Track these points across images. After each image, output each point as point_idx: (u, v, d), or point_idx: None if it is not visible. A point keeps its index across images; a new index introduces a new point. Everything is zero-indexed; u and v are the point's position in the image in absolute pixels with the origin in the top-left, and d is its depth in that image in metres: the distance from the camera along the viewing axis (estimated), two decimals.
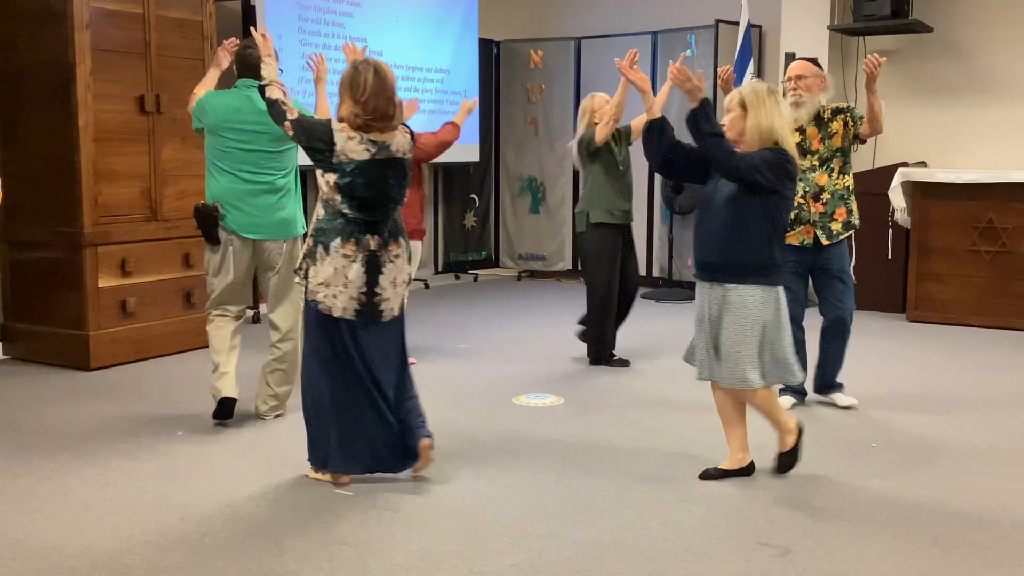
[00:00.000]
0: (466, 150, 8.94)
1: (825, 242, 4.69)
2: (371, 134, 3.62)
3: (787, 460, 3.86)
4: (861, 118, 4.66)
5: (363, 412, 3.72)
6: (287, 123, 3.69)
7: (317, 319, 3.68)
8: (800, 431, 3.85)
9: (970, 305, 7.02)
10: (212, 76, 4.75)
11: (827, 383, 4.92)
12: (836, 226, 4.72)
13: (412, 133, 3.83)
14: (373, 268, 3.65)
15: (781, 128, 3.62)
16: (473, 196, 9.48)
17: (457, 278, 9.54)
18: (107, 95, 5.65)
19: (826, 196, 4.71)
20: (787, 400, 4.81)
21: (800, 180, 4.57)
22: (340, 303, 3.63)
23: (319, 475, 3.81)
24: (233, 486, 3.75)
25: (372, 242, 3.65)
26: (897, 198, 7.08)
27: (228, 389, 4.50)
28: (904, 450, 4.24)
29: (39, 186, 5.71)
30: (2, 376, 5.54)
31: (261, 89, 3.85)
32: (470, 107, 5.87)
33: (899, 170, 7.11)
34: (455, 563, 3.09)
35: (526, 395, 5.11)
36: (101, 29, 5.60)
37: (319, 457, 3.78)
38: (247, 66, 4.52)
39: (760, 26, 8.47)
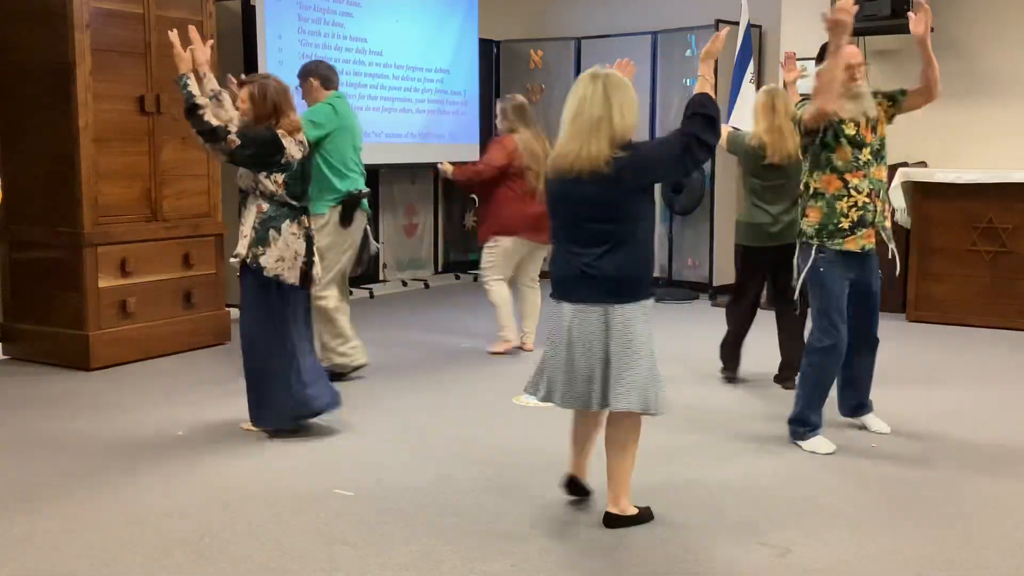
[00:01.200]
0: (466, 150, 8.94)
1: (880, 245, 4.21)
2: (295, 135, 4.32)
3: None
4: (895, 94, 4.22)
5: (289, 372, 4.34)
6: (231, 138, 4.13)
7: (266, 293, 4.27)
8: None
9: (970, 305, 7.02)
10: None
11: (863, 403, 4.50)
12: (889, 224, 4.26)
13: None
14: (310, 241, 4.39)
15: (563, 123, 3.30)
16: (473, 196, 9.46)
17: (457, 278, 9.54)
18: (107, 95, 5.65)
19: (883, 192, 4.21)
20: (827, 445, 4.19)
21: (864, 177, 4.11)
22: (293, 275, 4.30)
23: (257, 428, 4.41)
24: (233, 486, 3.75)
25: (307, 220, 4.41)
26: (897, 198, 7.08)
27: (364, 355, 5.42)
28: (904, 450, 4.24)
29: (39, 186, 5.71)
30: (2, 376, 5.54)
31: (196, 108, 4.12)
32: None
33: (899, 170, 7.12)
34: (455, 563, 3.09)
35: (526, 395, 5.08)
36: (101, 29, 5.59)
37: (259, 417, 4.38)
38: (331, 79, 5.34)
39: (760, 26, 8.48)
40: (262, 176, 4.23)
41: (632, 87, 3.29)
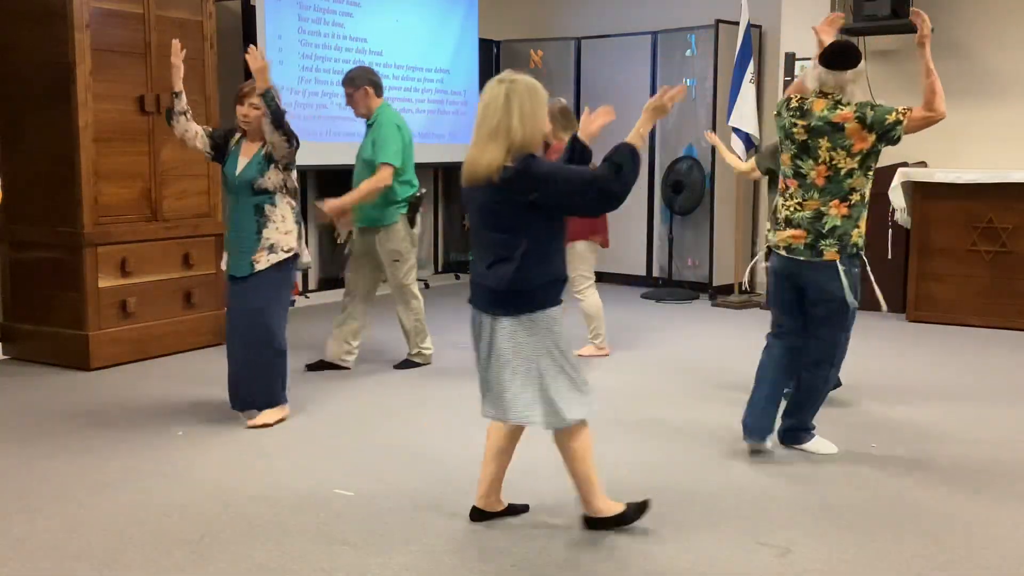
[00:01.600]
0: (466, 150, 8.93)
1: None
2: None
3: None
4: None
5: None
6: (296, 141, 4.46)
7: (291, 284, 4.60)
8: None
9: (970, 305, 7.02)
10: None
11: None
12: None
13: None
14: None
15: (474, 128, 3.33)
16: None
17: (457, 278, 9.54)
18: (107, 95, 5.65)
19: None
20: (829, 445, 4.19)
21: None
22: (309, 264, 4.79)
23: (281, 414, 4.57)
24: (233, 486, 3.75)
25: None
26: (897, 198, 7.08)
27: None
28: (904, 451, 4.24)
29: (39, 186, 5.71)
30: (2, 376, 5.54)
31: (284, 115, 4.35)
32: None
33: (899, 170, 7.12)
34: (455, 563, 3.09)
35: None
36: (101, 29, 5.59)
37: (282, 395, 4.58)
38: (381, 87, 5.47)
39: (760, 26, 8.47)
40: (291, 174, 4.51)
41: (542, 93, 3.13)
